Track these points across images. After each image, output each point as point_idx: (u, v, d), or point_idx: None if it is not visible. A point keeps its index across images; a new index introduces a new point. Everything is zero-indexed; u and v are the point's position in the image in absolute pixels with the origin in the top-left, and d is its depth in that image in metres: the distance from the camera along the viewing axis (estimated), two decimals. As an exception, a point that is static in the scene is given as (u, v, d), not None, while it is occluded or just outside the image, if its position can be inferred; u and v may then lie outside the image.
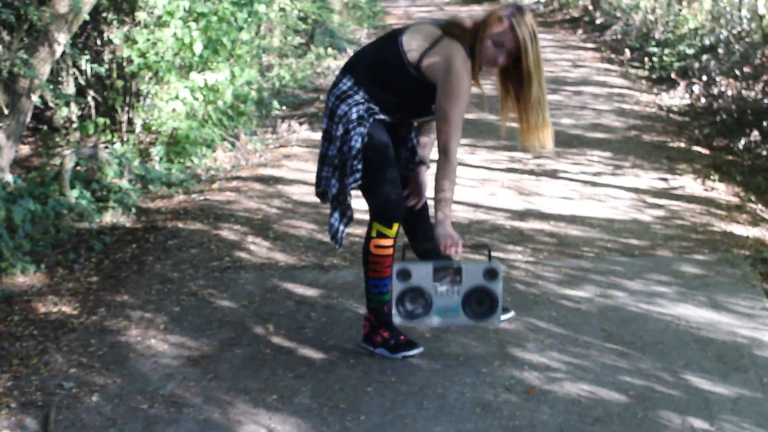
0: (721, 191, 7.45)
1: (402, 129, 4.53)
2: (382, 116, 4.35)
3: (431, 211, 4.40)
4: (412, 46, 4.23)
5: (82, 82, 8.78)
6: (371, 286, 4.52)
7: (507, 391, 4.15)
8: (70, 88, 8.77)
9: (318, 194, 4.63)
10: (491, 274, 4.18)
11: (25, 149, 8.79)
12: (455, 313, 4.18)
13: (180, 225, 6.76)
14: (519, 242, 6.17)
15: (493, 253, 5.79)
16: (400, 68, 4.24)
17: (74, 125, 8.89)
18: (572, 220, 6.67)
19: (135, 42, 8.39)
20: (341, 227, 4.46)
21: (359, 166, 4.26)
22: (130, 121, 8.82)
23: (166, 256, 6.08)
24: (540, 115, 4.37)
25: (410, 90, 4.27)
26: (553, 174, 8.00)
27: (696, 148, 9.03)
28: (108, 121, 8.68)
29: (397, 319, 4.21)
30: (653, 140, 9.35)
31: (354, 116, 4.25)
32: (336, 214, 4.48)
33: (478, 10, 23.85)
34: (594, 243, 6.14)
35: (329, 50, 16.37)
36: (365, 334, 4.60)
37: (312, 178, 7.88)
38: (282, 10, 13.22)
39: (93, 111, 8.92)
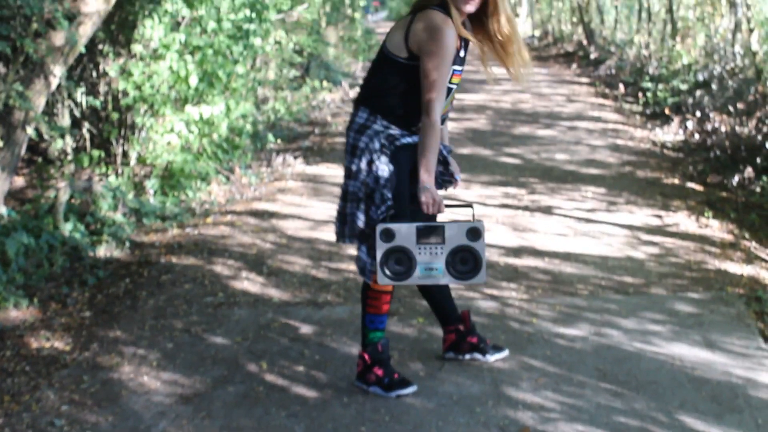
0: (715, 228, 7.45)
1: None
2: (406, 140, 4.34)
3: None
4: (395, 41, 4.25)
5: (77, 114, 8.79)
6: (368, 322, 4.51)
7: (501, 431, 4.12)
8: (65, 120, 8.77)
9: (337, 234, 4.53)
10: (474, 233, 4.21)
11: (19, 181, 8.77)
12: (439, 273, 4.20)
13: (174, 260, 6.75)
14: (513, 279, 6.16)
15: (487, 290, 5.83)
16: (398, 70, 4.25)
17: (69, 157, 8.88)
18: (567, 257, 6.66)
19: (131, 74, 8.41)
20: (370, 260, 4.38)
21: (389, 195, 4.26)
22: (125, 154, 8.81)
23: (159, 291, 6.07)
24: (516, 43, 4.38)
25: (418, 85, 4.22)
26: (547, 210, 8.00)
27: (690, 184, 9.04)
28: (103, 154, 8.68)
29: (383, 280, 4.20)
30: (647, 176, 9.36)
31: (377, 146, 4.26)
32: (363, 248, 4.39)
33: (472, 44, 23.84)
34: (588, 280, 6.13)
35: (324, 83, 16.43)
36: (359, 372, 4.58)
37: (307, 213, 7.97)
38: (278, 43, 13.26)
39: (88, 143, 8.92)
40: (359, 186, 4.31)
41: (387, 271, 4.19)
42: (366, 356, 4.52)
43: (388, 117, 4.29)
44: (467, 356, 4.85)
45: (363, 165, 4.28)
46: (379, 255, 4.16)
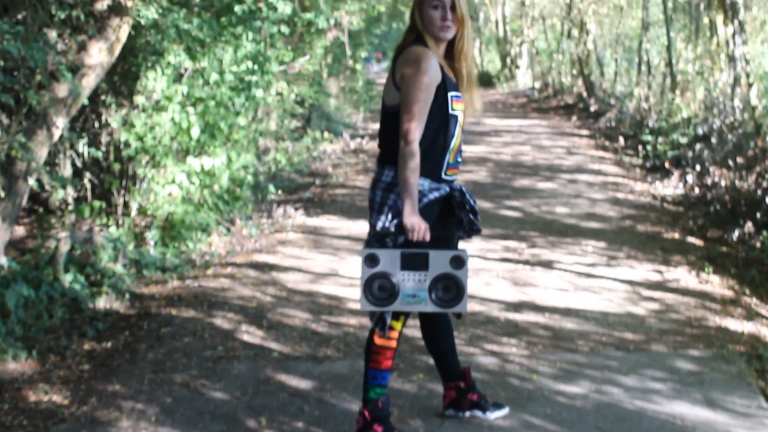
0: (716, 284, 7.45)
1: (455, 192, 4.44)
2: (433, 195, 4.33)
3: None
4: (390, 93, 4.29)
5: (78, 164, 8.83)
6: (370, 377, 4.47)
7: (501, 491, 4.10)
8: (66, 170, 8.81)
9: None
10: (458, 261, 4.18)
11: (20, 230, 8.78)
12: (422, 300, 4.17)
13: (174, 312, 6.73)
14: (513, 335, 6.14)
15: (487, 346, 5.82)
16: (393, 112, 4.26)
17: (70, 207, 8.90)
18: (567, 312, 6.65)
19: (133, 126, 8.45)
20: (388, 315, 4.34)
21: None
22: (126, 204, 8.83)
23: (159, 345, 6.04)
24: (474, 68, 4.49)
25: (430, 131, 4.24)
26: (548, 264, 8.00)
27: (690, 239, 9.05)
28: (104, 204, 8.70)
29: (365, 305, 4.17)
30: (648, 230, 9.38)
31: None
32: None
33: (485, 94, 24.08)
34: (589, 336, 6.11)
35: (326, 134, 16.51)
36: (359, 428, 4.52)
37: (308, 265, 7.97)
38: (279, 94, 13.34)
39: (89, 193, 8.95)
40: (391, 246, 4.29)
41: (370, 297, 4.16)
42: (366, 413, 4.48)
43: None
44: (467, 413, 4.82)
45: (388, 222, 4.28)
46: (363, 280, 4.14)
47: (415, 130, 4.15)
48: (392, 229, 4.25)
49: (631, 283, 7.44)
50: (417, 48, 4.24)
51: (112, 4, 7.51)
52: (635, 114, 17.77)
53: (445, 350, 4.79)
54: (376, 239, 4.29)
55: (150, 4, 8.06)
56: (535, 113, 22.39)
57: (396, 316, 4.37)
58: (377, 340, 4.42)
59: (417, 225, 4.12)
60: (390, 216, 4.27)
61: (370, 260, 4.15)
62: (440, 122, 4.26)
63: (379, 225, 4.30)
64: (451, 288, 4.19)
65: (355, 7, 17.16)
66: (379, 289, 4.16)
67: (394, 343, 4.44)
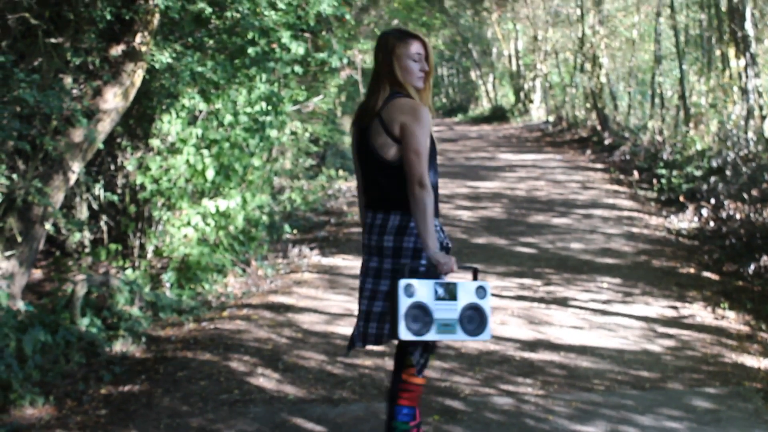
0: (732, 320, 7.44)
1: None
2: (440, 235, 4.47)
3: None
4: (385, 146, 4.36)
5: (95, 207, 8.89)
6: (401, 414, 4.42)
7: None
8: (83, 214, 8.88)
9: (372, 336, 4.50)
10: (482, 291, 4.34)
11: (37, 273, 8.84)
12: (453, 329, 4.28)
13: (190, 355, 6.75)
14: (529, 374, 6.13)
15: (503, 386, 5.81)
16: (398, 164, 4.35)
17: (86, 250, 8.96)
18: (582, 350, 6.64)
19: (148, 168, 8.51)
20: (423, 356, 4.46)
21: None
22: (141, 247, 8.88)
23: (175, 389, 6.05)
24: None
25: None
26: (563, 302, 7.99)
27: (706, 273, 9.04)
28: (120, 247, 8.75)
29: (405, 335, 4.21)
30: (663, 266, 9.37)
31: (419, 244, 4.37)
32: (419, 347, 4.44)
33: (487, 129, 24.17)
34: (605, 375, 6.10)
35: (340, 172, 16.56)
36: None
37: (323, 306, 7.99)
38: (293, 133, 13.41)
39: (105, 236, 9.00)
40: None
41: (409, 327, 4.21)
42: None
43: None
44: None
45: (411, 264, 4.37)
46: (402, 309, 4.19)
47: (426, 174, 4.28)
48: (421, 269, 4.37)
49: (646, 319, 7.43)
50: (409, 100, 4.38)
51: (127, 49, 7.59)
52: (649, 147, 17.77)
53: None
54: (408, 273, 4.33)
55: (164, 49, 8.14)
56: (549, 147, 22.39)
57: (434, 351, 4.48)
58: (413, 379, 4.43)
59: (444, 259, 4.23)
60: (410, 257, 4.37)
61: (408, 290, 4.22)
62: (431, 165, 4.42)
63: (391, 266, 4.40)
64: (474, 318, 4.30)
65: (368, 45, 17.25)
66: (413, 319, 4.22)
67: (424, 380, 4.48)
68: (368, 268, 4.51)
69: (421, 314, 4.22)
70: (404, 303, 4.20)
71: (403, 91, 4.39)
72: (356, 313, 4.61)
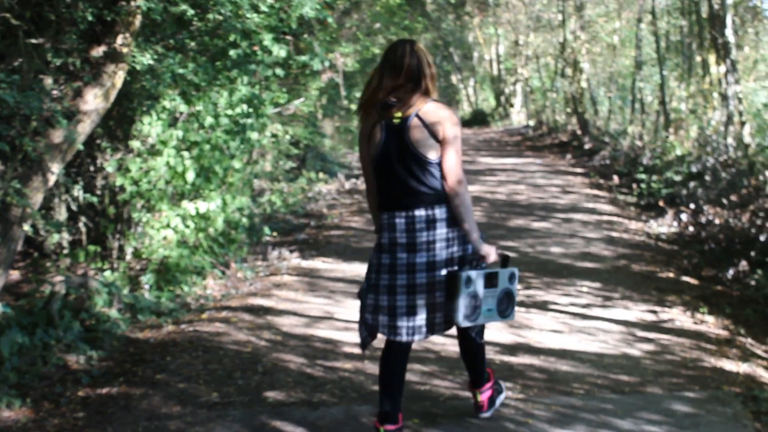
0: (711, 324, 7.46)
1: None
2: None
3: None
4: (428, 145, 4.71)
5: (74, 208, 8.84)
6: (484, 365, 5.24)
7: None
8: (61, 215, 8.83)
9: (421, 328, 4.87)
10: (513, 277, 4.96)
11: (14, 274, 8.78)
12: (493, 313, 4.88)
13: (169, 358, 6.71)
14: (509, 378, 6.11)
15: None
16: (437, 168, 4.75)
17: (65, 251, 8.91)
18: (562, 354, 6.64)
19: (128, 170, 8.48)
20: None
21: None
22: (120, 249, 8.84)
23: (154, 391, 6.02)
24: None
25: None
26: (543, 306, 8.00)
27: (685, 278, 9.07)
28: (99, 248, 8.71)
29: (464, 322, 4.77)
30: (642, 270, 9.39)
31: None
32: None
33: (468, 133, 24.20)
34: (584, 379, 6.10)
35: (321, 174, 16.54)
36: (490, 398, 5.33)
37: (303, 309, 7.97)
38: (274, 136, 13.38)
39: (84, 237, 8.95)
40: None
41: (467, 314, 4.76)
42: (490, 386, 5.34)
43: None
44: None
45: (458, 250, 4.82)
46: (463, 300, 4.71)
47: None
48: (468, 255, 4.85)
49: (626, 323, 7.44)
50: (448, 107, 4.87)
51: (108, 50, 7.55)
52: (629, 152, 17.84)
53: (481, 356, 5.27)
54: (466, 264, 4.85)
55: (145, 50, 8.10)
56: (529, 151, 22.44)
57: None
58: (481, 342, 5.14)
59: (489, 249, 4.83)
60: (457, 245, 4.80)
61: (468, 282, 4.72)
62: None
63: (445, 255, 4.77)
64: (506, 301, 4.92)
65: (350, 49, 17.25)
66: (469, 307, 4.76)
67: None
68: (408, 264, 4.76)
69: (473, 302, 4.76)
70: (464, 293, 4.70)
71: (431, 96, 4.80)
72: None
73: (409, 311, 4.77)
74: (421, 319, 4.79)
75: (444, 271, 4.75)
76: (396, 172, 4.74)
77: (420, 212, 4.71)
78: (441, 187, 4.72)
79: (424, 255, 4.73)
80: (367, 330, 4.94)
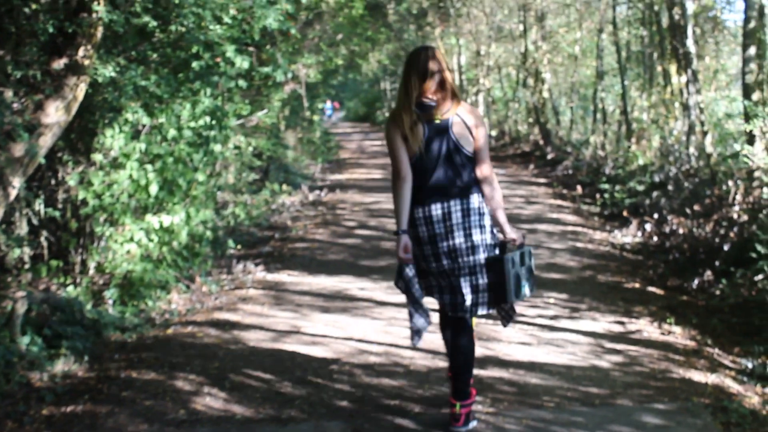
0: (678, 335, 7.47)
1: None
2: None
3: None
4: (468, 141, 5.23)
5: (35, 222, 8.71)
6: (470, 376, 5.46)
7: None
8: (22, 229, 8.69)
9: (467, 306, 5.36)
10: (530, 255, 5.40)
11: (-25, 290, 8.64)
12: (526, 287, 5.32)
13: (134, 374, 6.61)
14: (479, 391, 6.06)
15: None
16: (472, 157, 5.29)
17: (26, 266, 8.77)
18: (531, 367, 6.61)
19: (90, 184, 8.37)
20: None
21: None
22: (83, 263, 8.72)
23: (120, 409, 5.92)
24: None
25: None
26: (510, 317, 7.96)
27: (651, 288, 9.09)
28: (61, 263, 8.58)
29: (512, 298, 5.24)
30: (608, 280, 9.40)
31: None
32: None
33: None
34: (554, 392, 6.07)
35: (284, 186, 16.47)
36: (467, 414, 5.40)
37: (269, 323, 7.92)
38: (237, 148, 13.30)
39: (46, 252, 8.83)
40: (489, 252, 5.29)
41: (515, 292, 5.25)
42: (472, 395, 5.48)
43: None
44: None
45: (494, 235, 5.32)
46: (512, 280, 5.17)
47: None
48: (497, 240, 5.34)
49: (594, 335, 7.43)
50: (476, 108, 5.40)
51: (69, 62, 7.46)
52: (592, 162, 17.91)
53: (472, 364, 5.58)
54: (501, 248, 5.33)
55: (107, 62, 8.02)
56: (492, 161, 22.46)
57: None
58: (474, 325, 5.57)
59: (518, 233, 5.37)
60: (489, 231, 5.27)
61: (513, 263, 5.18)
62: None
63: (487, 238, 5.25)
64: (530, 276, 5.40)
65: (313, 60, 17.21)
66: (514, 285, 5.22)
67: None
68: (449, 250, 5.21)
69: (516, 281, 5.21)
70: (511, 274, 5.16)
71: (458, 96, 5.27)
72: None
73: (455, 291, 5.30)
74: (467, 299, 5.29)
75: (482, 255, 5.23)
76: (438, 164, 5.20)
77: (462, 201, 5.20)
78: (473, 178, 5.25)
79: (463, 241, 5.19)
80: (425, 315, 5.38)
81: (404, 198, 5.21)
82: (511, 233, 5.30)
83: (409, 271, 5.25)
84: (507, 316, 5.60)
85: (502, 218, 5.29)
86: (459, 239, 5.18)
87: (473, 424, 5.42)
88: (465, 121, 5.21)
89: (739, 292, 8.55)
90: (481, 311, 5.39)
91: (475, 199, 5.24)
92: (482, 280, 5.25)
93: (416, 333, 5.40)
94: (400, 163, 5.22)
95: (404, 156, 5.21)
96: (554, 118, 23.05)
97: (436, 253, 5.22)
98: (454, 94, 5.25)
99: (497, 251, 5.30)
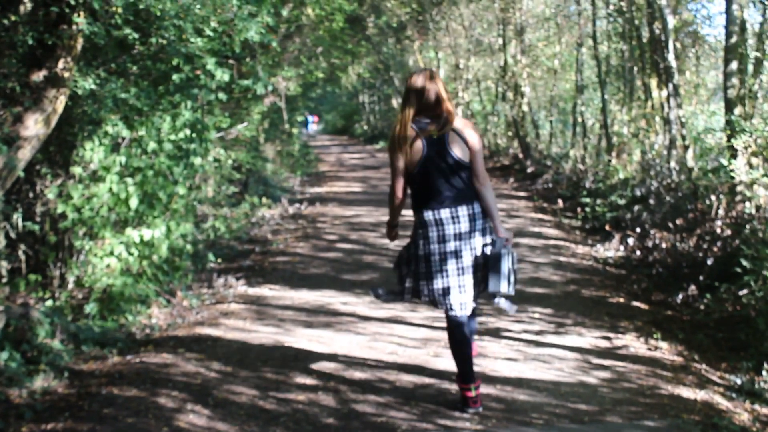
0: (665, 350, 7.42)
1: None
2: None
3: None
4: (463, 152, 5.79)
5: (13, 236, 8.59)
6: (472, 358, 6.00)
7: None
8: (0, 243, 8.56)
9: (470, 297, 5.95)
10: (515, 258, 6.00)
11: (-49, 305, 8.49)
12: (512, 282, 5.87)
13: (116, 391, 6.48)
14: (466, 408, 5.99)
15: (440, 421, 5.68)
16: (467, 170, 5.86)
17: (4, 280, 8.64)
18: (519, 383, 6.53)
19: (70, 197, 8.26)
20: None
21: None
22: (62, 277, 8.59)
23: (101, 427, 5.79)
24: None
25: None
26: (495, 333, 7.90)
27: (635, 303, 9.04)
28: (39, 277, 8.46)
29: (512, 291, 5.86)
30: (593, 295, 9.35)
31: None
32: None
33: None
34: (542, 408, 5.99)
35: (264, 199, 16.37)
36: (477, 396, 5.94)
37: (252, 338, 7.83)
38: (217, 160, 13.20)
39: (24, 266, 8.70)
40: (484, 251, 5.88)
41: (513, 283, 5.88)
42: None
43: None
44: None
45: (490, 237, 5.89)
46: (511, 274, 5.82)
47: None
48: (502, 238, 5.90)
49: (580, 350, 7.37)
50: (470, 122, 5.97)
51: (49, 74, 7.36)
52: (572, 175, 17.89)
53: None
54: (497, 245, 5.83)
55: (87, 75, 7.92)
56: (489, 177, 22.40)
57: None
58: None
59: (509, 234, 6.00)
60: (488, 233, 5.88)
61: (512, 260, 5.84)
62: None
63: (485, 239, 5.85)
64: (517, 272, 6.09)
65: (292, 73, 17.14)
66: (512, 279, 5.86)
67: None
68: (456, 250, 5.80)
69: (512, 276, 5.84)
70: (511, 269, 5.79)
71: (453, 113, 5.78)
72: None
73: (458, 290, 5.84)
74: (468, 295, 5.87)
75: (480, 255, 5.82)
76: (437, 175, 5.79)
77: (462, 207, 5.80)
78: (470, 185, 5.82)
79: (467, 243, 5.79)
80: (411, 293, 6.04)
81: (395, 207, 6.12)
82: (504, 233, 5.91)
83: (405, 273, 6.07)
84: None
85: (496, 219, 5.89)
86: (464, 241, 5.79)
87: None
88: (461, 134, 5.79)
89: (724, 306, 8.53)
90: (469, 308, 5.95)
91: (476, 205, 5.83)
92: (477, 278, 5.88)
93: (389, 293, 6.28)
94: (396, 185, 5.97)
95: (401, 177, 5.94)
96: (533, 132, 23.03)
97: (442, 252, 5.81)
98: (449, 111, 5.76)
99: (491, 248, 5.83)
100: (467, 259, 5.81)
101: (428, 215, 5.84)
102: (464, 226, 5.80)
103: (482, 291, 5.95)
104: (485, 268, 5.82)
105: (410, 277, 6.00)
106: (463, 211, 5.81)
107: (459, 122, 5.83)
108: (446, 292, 5.84)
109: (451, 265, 5.81)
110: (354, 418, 5.83)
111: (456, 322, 5.92)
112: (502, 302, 6.12)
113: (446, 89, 5.86)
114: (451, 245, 5.80)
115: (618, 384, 6.52)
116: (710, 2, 29.94)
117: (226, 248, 12.32)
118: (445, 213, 5.81)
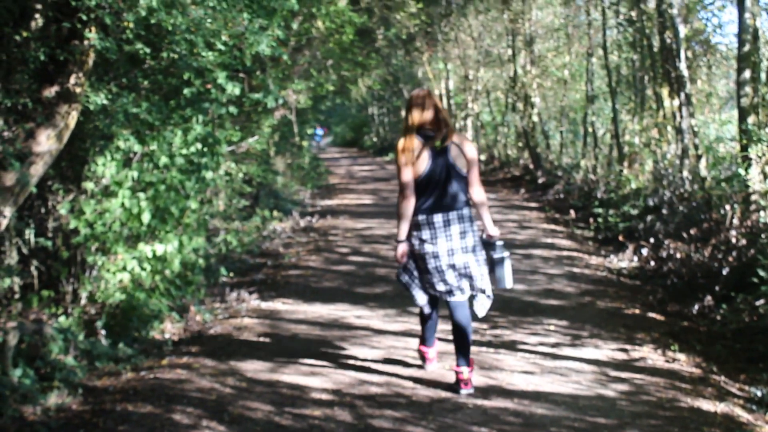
0: (683, 362, 7.35)
1: None
2: None
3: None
4: (462, 163, 6.53)
5: (25, 252, 8.56)
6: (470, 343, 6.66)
7: None
8: (13, 259, 8.53)
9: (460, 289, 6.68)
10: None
11: (-37, 321, 8.47)
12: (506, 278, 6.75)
13: (130, 407, 6.41)
14: (483, 423, 5.92)
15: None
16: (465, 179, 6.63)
17: (16, 296, 8.61)
18: (536, 396, 6.46)
19: (82, 212, 8.23)
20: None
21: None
22: (75, 293, 8.56)
23: (116, 445, 5.75)
24: None
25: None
26: (511, 345, 7.84)
27: (651, 314, 8.98)
28: (52, 293, 8.43)
29: (512, 285, 6.85)
30: (608, 306, 9.28)
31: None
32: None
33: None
34: (561, 422, 5.92)
35: (275, 212, 16.34)
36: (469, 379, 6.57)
37: (266, 353, 7.69)
38: (228, 174, 13.17)
39: (36, 282, 8.67)
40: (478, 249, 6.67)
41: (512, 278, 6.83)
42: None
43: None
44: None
45: (479, 237, 6.70)
46: (510, 271, 6.74)
47: None
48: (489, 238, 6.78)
49: (597, 363, 7.30)
50: (467, 136, 6.04)
51: (61, 90, 7.34)
52: (583, 185, 17.83)
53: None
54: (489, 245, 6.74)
55: (99, 90, 7.90)
56: (483, 186, 22.34)
57: None
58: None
59: (497, 230, 6.86)
60: (479, 234, 6.70)
61: (508, 257, 6.74)
62: None
63: (476, 239, 6.61)
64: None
65: (302, 86, 17.11)
66: (510, 275, 6.77)
67: None
68: (454, 250, 6.53)
69: (511, 272, 6.74)
70: (509, 267, 6.69)
71: (452, 127, 6.56)
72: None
73: (453, 282, 6.57)
74: (464, 286, 6.60)
75: (471, 254, 6.56)
76: (440, 182, 6.46)
77: (458, 212, 6.52)
78: (465, 193, 6.58)
79: (461, 242, 6.51)
80: (423, 290, 6.76)
81: (406, 213, 6.57)
82: (492, 230, 6.77)
83: (408, 275, 6.81)
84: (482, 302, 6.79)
85: (486, 218, 6.76)
86: (456, 242, 6.51)
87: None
88: (459, 146, 6.54)
89: (741, 317, 8.46)
90: (466, 294, 6.65)
91: (468, 210, 6.59)
92: (473, 271, 6.58)
93: (423, 307, 6.86)
94: (406, 185, 6.52)
95: (410, 179, 6.49)
96: (544, 142, 22.99)
97: (434, 252, 6.51)
98: (447, 124, 6.53)
99: (494, 252, 6.69)
100: (462, 256, 6.53)
101: (423, 219, 6.54)
102: (455, 228, 6.52)
103: (480, 289, 6.69)
104: (489, 266, 6.70)
105: (411, 275, 6.79)
106: (454, 215, 6.52)
107: (456, 137, 6.58)
108: (444, 283, 6.59)
109: (445, 261, 6.53)
110: (334, 424, 5.78)
111: (455, 304, 6.62)
112: (483, 305, 6.75)
113: (441, 107, 6.65)
114: (447, 245, 6.52)
115: (637, 397, 6.45)
116: (721, 11, 29.79)
117: (238, 262, 12.28)
118: (437, 217, 6.52)
